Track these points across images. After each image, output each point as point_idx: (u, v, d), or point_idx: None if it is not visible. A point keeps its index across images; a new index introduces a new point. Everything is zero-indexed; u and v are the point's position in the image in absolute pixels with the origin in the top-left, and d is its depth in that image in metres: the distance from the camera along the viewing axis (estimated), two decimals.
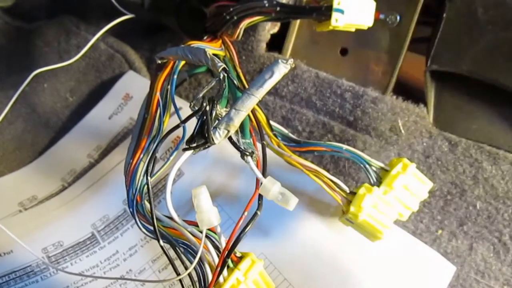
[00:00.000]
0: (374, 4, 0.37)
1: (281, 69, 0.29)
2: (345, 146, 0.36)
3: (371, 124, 0.44)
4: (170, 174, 0.30)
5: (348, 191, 0.35)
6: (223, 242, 0.30)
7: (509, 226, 0.40)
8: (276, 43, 0.51)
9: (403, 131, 0.44)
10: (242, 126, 0.33)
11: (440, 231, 0.41)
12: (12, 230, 0.39)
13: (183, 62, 0.36)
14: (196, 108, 0.30)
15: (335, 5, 0.36)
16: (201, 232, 0.30)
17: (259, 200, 0.31)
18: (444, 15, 0.44)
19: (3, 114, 0.55)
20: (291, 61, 0.29)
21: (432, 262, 0.37)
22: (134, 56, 0.56)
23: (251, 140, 0.34)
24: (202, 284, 0.30)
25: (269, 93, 0.37)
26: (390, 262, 0.37)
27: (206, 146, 0.30)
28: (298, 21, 0.50)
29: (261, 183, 0.31)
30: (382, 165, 0.36)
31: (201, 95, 0.30)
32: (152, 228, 0.31)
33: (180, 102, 0.48)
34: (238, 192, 0.42)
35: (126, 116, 0.52)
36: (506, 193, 0.40)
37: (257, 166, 0.32)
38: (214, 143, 0.29)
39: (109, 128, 0.52)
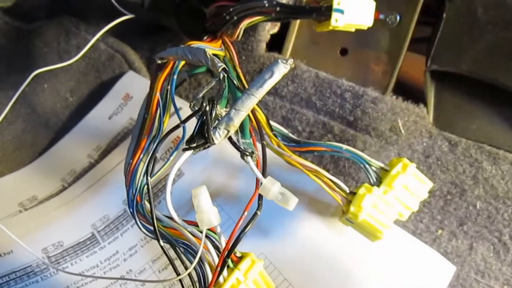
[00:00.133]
0: (374, 4, 0.37)
1: (281, 69, 0.29)
2: (345, 146, 0.36)
3: (371, 124, 0.44)
4: (170, 174, 0.30)
5: (348, 191, 0.35)
6: (223, 242, 0.30)
7: (509, 226, 0.40)
8: (276, 43, 0.51)
9: (403, 131, 0.44)
10: (242, 126, 0.33)
11: (440, 231, 0.41)
12: (12, 231, 0.39)
13: (183, 62, 0.36)
14: (196, 108, 0.30)
15: (335, 5, 0.36)
16: (201, 232, 0.30)
17: (259, 200, 0.31)
18: (444, 15, 0.44)
19: (3, 115, 0.55)
20: (291, 61, 0.29)
21: (432, 262, 0.37)
22: (134, 56, 0.56)
23: (251, 140, 0.34)
24: (202, 284, 0.31)
25: (269, 93, 0.37)
26: (390, 262, 0.37)
27: (206, 146, 0.30)
28: (298, 21, 0.50)
29: (261, 183, 0.31)
30: (382, 165, 0.36)
31: (201, 95, 0.30)
32: (152, 228, 0.31)
33: (180, 102, 0.48)
34: (238, 192, 0.42)
35: (126, 116, 0.52)
36: (506, 193, 0.40)
37: (257, 166, 0.32)
38: (214, 143, 0.29)
39: (109, 128, 0.52)
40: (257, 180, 0.31)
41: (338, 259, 0.37)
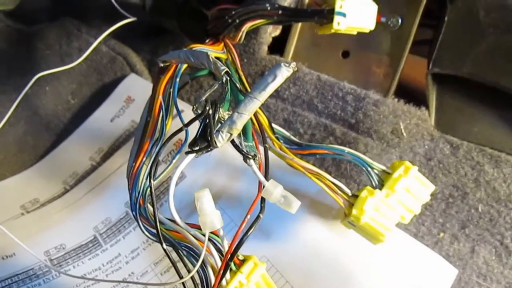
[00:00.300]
0: (376, 7, 0.38)
1: (284, 73, 0.29)
2: (347, 149, 0.36)
3: (373, 127, 0.44)
4: (172, 178, 0.30)
5: (350, 194, 0.35)
6: (225, 245, 0.30)
7: (511, 229, 0.40)
8: (278, 46, 0.51)
9: (404, 134, 0.44)
10: (244, 129, 0.33)
11: (442, 234, 0.41)
12: (15, 233, 0.39)
13: (185, 65, 0.36)
14: (199, 112, 0.30)
15: (337, 9, 0.36)
16: (204, 235, 0.30)
17: (261, 203, 0.31)
18: (446, 18, 0.44)
19: (5, 118, 0.55)
20: (293, 64, 0.29)
21: (434, 265, 0.37)
22: (135, 59, 0.56)
23: (254, 143, 0.34)
24: (204, 287, 0.30)
25: (270, 95, 0.37)
26: (392, 265, 0.37)
27: (209, 149, 0.30)
28: (299, 24, 0.50)
29: (264, 186, 0.31)
30: (384, 168, 0.36)
31: (203, 98, 0.30)
32: (155, 231, 0.31)
33: (182, 104, 0.48)
34: (240, 194, 0.42)
35: (128, 118, 0.52)
36: (508, 196, 0.41)
37: (259, 169, 0.32)
38: (217, 147, 0.29)
39: (111, 131, 0.52)
40: (260, 183, 0.31)
41: (340, 262, 0.37)
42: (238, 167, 0.43)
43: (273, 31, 0.51)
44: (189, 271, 0.30)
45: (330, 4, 0.38)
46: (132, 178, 0.33)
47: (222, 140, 0.29)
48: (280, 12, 0.38)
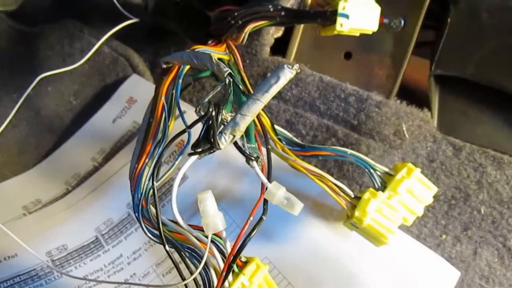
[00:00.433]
0: (379, 9, 0.38)
1: (287, 75, 0.29)
2: (349, 151, 0.36)
3: (375, 128, 0.44)
4: (175, 180, 0.30)
5: (352, 196, 0.35)
6: (228, 247, 0.30)
7: None
8: (280, 47, 0.51)
9: (407, 135, 0.44)
10: (247, 131, 0.33)
11: (444, 236, 0.41)
12: (17, 234, 0.39)
13: (188, 67, 0.36)
14: (202, 113, 0.30)
15: (340, 10, 0.36)
16: (206, 237, 0.30)
17: (264, 205, 0.31)
18: (449, 19, 0.44)
19: (8, 119, 0.55)
20: (296, 66, 0.29)
21: (436, 267, 0.37)
22: (137, 60, 0.56)
23: (256, 144, 0.34)
24: None
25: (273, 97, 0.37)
26: (394, 267, 0.37)
27: (212, 151, 0.30)
28: (302, 25, 0.50)
29: (266, 188, 0.31)
30: (386, 169, 0.36)
31: (206, 100, 0.30)
32: (157, 233, 0.31)
33: (184, 105, 0.48)
34: (242, 196, 0.42)
35: (130, 119, 0.52)
36: (510, 198, 0.40)
37: (262, 171, 0.32)
38: (220, 148, 0.29)
39: (113, 132, 0.52)
40: (262, 184, 0.31)
41: (342, 263, 0.37)
42: (240, 168, 0.43)
43: (275, 32, 0.50)
44: (191, 273, 0.30)
45: (332, 6, 0.38)
46: (135, 179, 0.33)
47: (225, 142, 0.29)
48: (282, 13, 0.38)
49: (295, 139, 0.39)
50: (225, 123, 0.30)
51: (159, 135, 0.35)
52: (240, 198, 0.42)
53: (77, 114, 0.56)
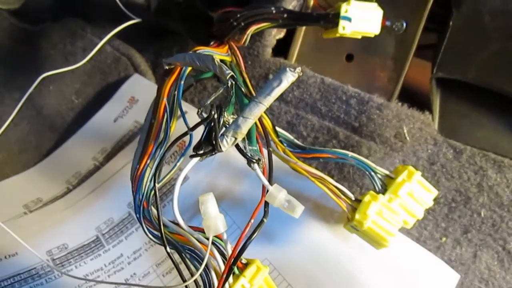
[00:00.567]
0: (381, 12, 0.38)
1: (289, 77, 0.29)
2: (350, 153, 0.36)
3: (376, 131, 0.44)
4: (177, 181, 0.30)
5: (353, 198, 0.35)
6: (229, 249, 0.30)
7: None
8: (282, 48, 0.51)
9: (408, 138, 0.44)
10: (249, 133, 0.33)
11: (444, 239, 0.41)
12: (17, 233, 0.39)
13: (190, 68, 0.36)
14: (205, 116, 0.30)
15: (342, 13, 0.36)
16: (207, 238, 0.30)
17: (265, 207, 0.31)
18: (451, 22, 0.44)
19: (10, 117, 0.55)
20: (299, 69, 0.29)
21: (436, 269, 0.37)
22: (139, 59, 0.56)
23: (258, 147, 0.34)
24: None
25: None
26: (394, 269, 0.37)
27: (214, 153, 0.30)
28: (304, 27, 0.50)
29: (267, 191, 0.31)
30: (387, 172, 0.36)
31: (208, 102, 0.30)
32: (158, 234, 0.31)
33: (185, 106, 0.48)
34: (243, 197, 0.42)
35: (131, 119, 0.52)
36: (510, 201, 0.41)
37: (263, 173, 0.32)
38: (222, 151, 0.29)
39: (114, 131, 0.52)
40: (263, 187, 0.31)
41: (342, 266, 0.37)
42: (241, 169, 0.43)
43: (277, 33, 0.51)
44: (192, 274, 0.30)
45: (335, 8, 0.38)
46: (136, 180, 0.33)
47: (226, 144, 0.29)
48: (285, 15, 0.38)
49: (296, 141, 0.39)
50: (227, 126, 0.30)
51: (161, 136, 0.35)
52: (241, 199, 0.42)
53: (79, 113, 0.56)
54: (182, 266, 0.32)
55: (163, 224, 0.31)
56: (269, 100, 0.29)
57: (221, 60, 0.33)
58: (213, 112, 0.29)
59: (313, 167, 0.36)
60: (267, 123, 0.37)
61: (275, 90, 0.29)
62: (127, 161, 0.48)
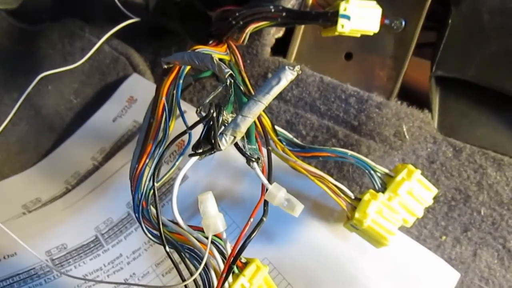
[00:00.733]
0: (380, 10, 0.37)
1: (288, 76, 0.29)
2: (350, 152, 0.36)
3: (376, 129, 0.44)
4: (176, 181, 0.30)
5: (353, 197, 0.35)
6: (228, 248, 0.30)
7: None
8: (281, 47, 0.51)
9: (407, 136, 0.44)
10: (248, 132, 0.33)
11: (444, 237, 0.41)
12: (16, 233, 0.39)
13: (189, 67, 0.36)
14: (203, 114, 0.30)
15: (341, 11, 0.36)
16: (206, 238, 0.30)
17: (264, 206, 0.31)
18: (450, 21, 0.44)
19: (9, 117, 0.55)
20: (297, 67, 0.29)
21: (436, 268, 0.37)
22: (138, 59, 0.56)
23: (257, 145, 0.34)
24: None
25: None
26: (394, 268, 0.37)
27: (212, 152, 0.29)
28: (302, 26, 0.50)
29: (267, 189, 0.31)
30: (386, 171, 0.36)
31: (207, 101, 0.30)
32: (157, 233, 0.31)
33: (184, 105, 0.48)
34: (242, 196, 0.42)
35: (130, 119, 0.52)
36: (510, 200, 0.41)
37: (262, 172, 0.32)
38: (221, 150, 0.29)
39: (113, 131, 0.52)
40: (263, 186, 0.31)
41: (342, 265, 0.37)
42: (240, 168, 0.43)
43: (276, 32, 0.50)
44: (191, 274, 0.30)
45: (334, 7, 0.38)
46: (135, 180, 0.33)
47: (225, 143, 0.29)
48: (284, 14, 0.38)
49: (295, 140, 0.39)
50: (226, 124, 0.30)
51: (160, 135, 0.35)
52: (240, 198, 0.42)
53: (77, 113, 0.56)
54: (182, 266, 0.31)
55: (162, 224, 0.31)
56: (268, 98, 0.29)
57: (220, 59, 0.33)
58: (212, 111, 0.29)
59: (312, 166, 0.36)
60: (266, 122, 0.37)
61: (274, 89, 0.29)
62: (126, 161, 0.48)
